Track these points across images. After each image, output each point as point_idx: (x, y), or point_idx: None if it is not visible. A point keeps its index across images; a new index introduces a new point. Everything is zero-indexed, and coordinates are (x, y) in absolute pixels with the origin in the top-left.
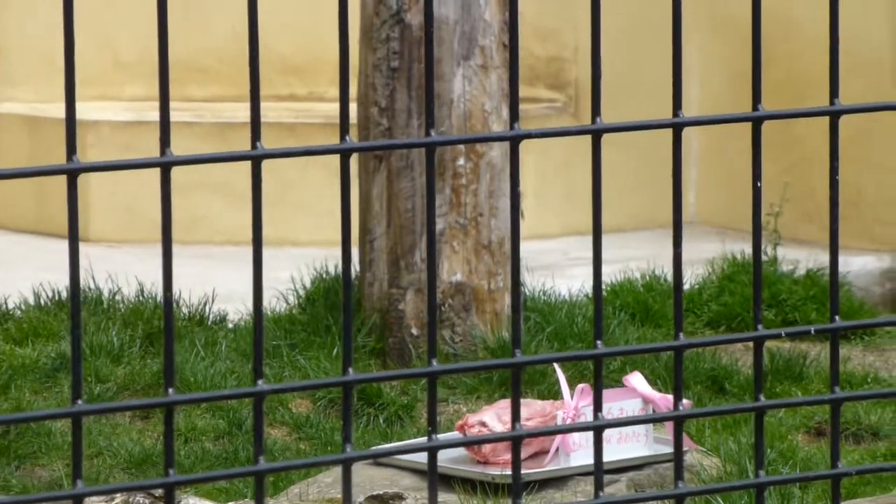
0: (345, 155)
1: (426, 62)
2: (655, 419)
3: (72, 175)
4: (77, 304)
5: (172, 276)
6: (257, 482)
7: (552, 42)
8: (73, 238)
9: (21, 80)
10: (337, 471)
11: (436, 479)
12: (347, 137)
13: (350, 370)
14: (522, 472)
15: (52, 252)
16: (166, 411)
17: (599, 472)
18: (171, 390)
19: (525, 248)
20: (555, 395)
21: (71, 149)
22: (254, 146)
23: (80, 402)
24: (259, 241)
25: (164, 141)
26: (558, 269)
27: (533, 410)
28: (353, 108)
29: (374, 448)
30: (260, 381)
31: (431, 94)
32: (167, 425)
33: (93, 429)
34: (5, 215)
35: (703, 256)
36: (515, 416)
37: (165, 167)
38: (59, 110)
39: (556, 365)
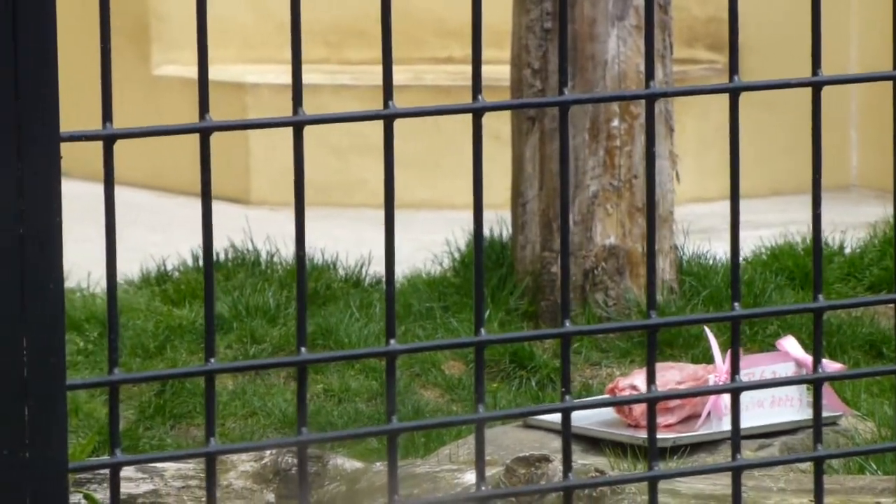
0: (477, 114)
1: (560, 19)
2: (795, 381)
3: (204, 133)
4: (210, 263)
5: (305, 234)
6: (390, 441)
7: (711, 3)
8: (206, 197)
9: (182, 43)
10: (488, 432)
11: (570, 439)
12: (480, 97)
13: (482, 330)
14: (674, 435)
15: (215, 214)
16: (299, 370)
17: (737, 434)
18: (303, 349)
19: (682, 211)
20: (709, 358)
21: (204, 108)
22: (386, 105)
23: (212, 360)
24: (391, 200)
25: (297, 101)
26: (715, 233)
27: (685, 374)
28: (506, 69)
29: (506, 410)
30: (392, 341)
31: (565, 51)
32: (300, 385)
33: (247, 389)
34: (166, 178)
35: (864, 220)
36: (651, 378)
37: (297, 126)
38: (220, 73)
39: (707, 329)
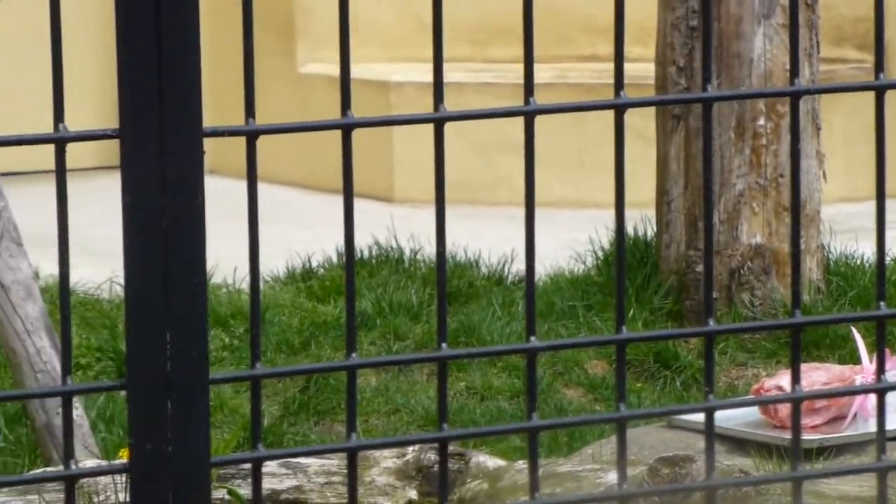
0: (619, 110)
1: (703, 16)
2: None
3: (346, 130)
4: (351, 261)
5: (445, 231)
6: (530, 438)
7: (860, 2)
8: (348, 193)
9: (328, 41)
10: (630, 432)
11: (712, 439)
12: (622, 93)
13: (623, 328)
14: (820, 436)
15: (358, 212)
16: (439, 365)
17: (882, 435)
18: (444, 345)
19: (829, 210)
20: (856, 359)
21: (346, 104)
22: (526, 102)
23: (353, 356)
24: (531, 197)
25: (438, 97)
26: (863, 233)
27: (831, 375)
28: (651, 67)
29: (649, 408)
30: (533, 338)
31: (709, 47)
32: (441, 381)
33: (390, 385)
34: (312, 175)
35: None
36: (796, 377)
37: (439, 122)
38: (364, 71)
39: (854, 330)
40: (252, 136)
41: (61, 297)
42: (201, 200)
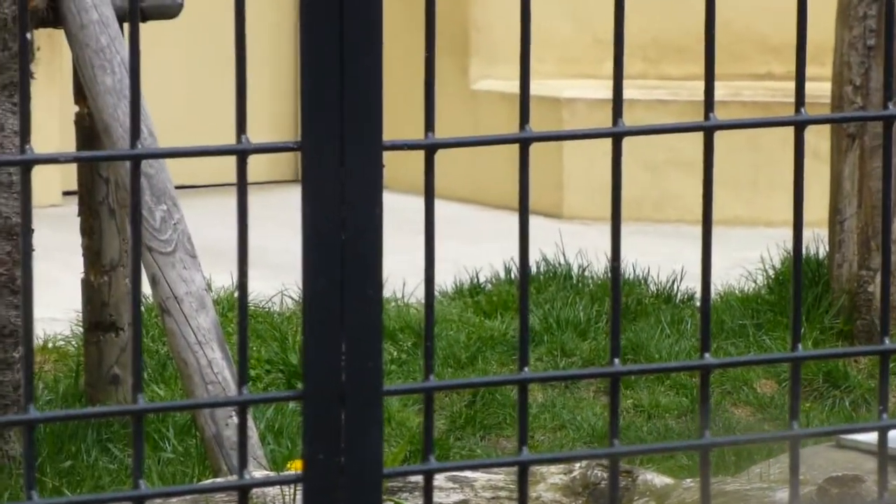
0: (799, 127)
1: (886, 31)
2: None
3: (524, 144)
4: (525, 273)
5: (620, 245)
6: (702, 455)
7: None
8: (524, 208)
9: (501, 57)
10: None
11: (885, 459)
12: (802, 109)
13: (799, 346)
14: None
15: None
16: (611, 381)
17: None
18: (616, 361)
19: None
20: None
21: (524, 118)
22: (706, 117)
23: (525, 369)
24: (709, 213)
25: (617, 111)
26: None
27: None
28: (827, 86)
29: (821, 427)
30: (706, 355)
31: (891, 64)
32: (613, 396)
33: (557, 402)
34: (481, 191)
35: None
36: (883, 400)
37: (617, 137)
38: (537, 87)
39: None
40: (431, 150)
41: (239, 307)
42: (379, 213)
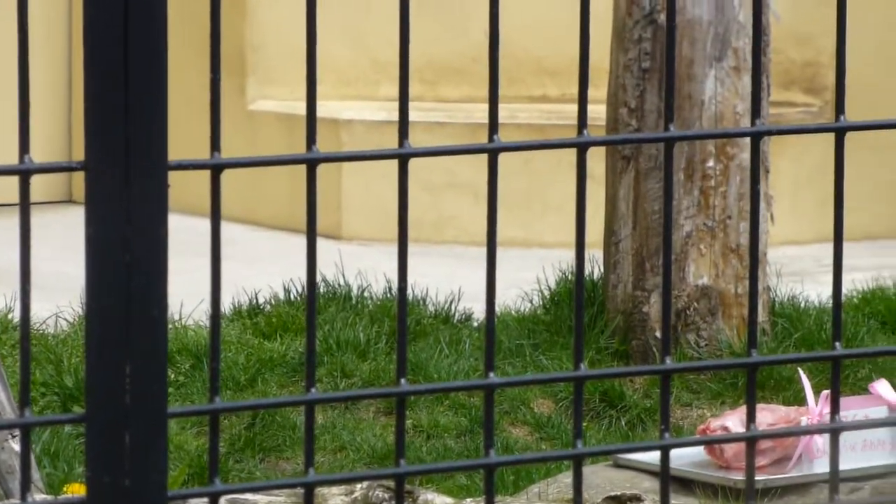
0: (581, 148)
1: (667, 57)
2: (891, 423)
3: (310, 164)
4: (313, 294)
5: (407, 265)
6: (487, 474)
7: (808, 46)
8: (311, 228)
9: (279, 78)
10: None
11: (668, 478)
12: (585, 131)
13: (582, 366)
14: (765, 477)
15: (304, 249)
16: (398, 401)
17: (835, 475)
18: (403, 381)
19: (776, 253)
20: (801, 401)
21: (311, 139)
22: (490, 139)
23: (313, 390)
24: (493, 234)
25: (403, 133)
26: (809, 276)
27: (777, 416)
28: (602, 109)
29: (604, 445)
30: (491, 374)
31: (672, 88)
32: (399, 416)
33: (337, 423)
34: (259, 213)
35: None
36: (751, 416)
37: (403, 159)
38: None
39: (800, 371)
40: (217, 170)
41: (22, 329)
42: (165, 233)
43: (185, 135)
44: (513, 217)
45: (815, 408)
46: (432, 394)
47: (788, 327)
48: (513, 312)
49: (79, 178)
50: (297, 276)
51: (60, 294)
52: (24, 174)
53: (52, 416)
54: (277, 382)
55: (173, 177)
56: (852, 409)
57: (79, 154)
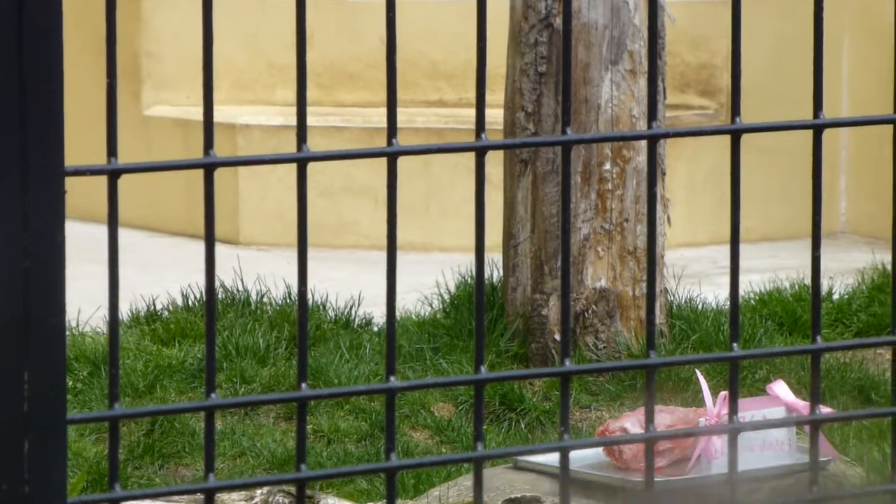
0: (480, 152)
1: (563, 61)
2: (792, 422)
3: (208, 169)
4: (212, 298)
5: (307, 270)
6: (388, 478)
7: (703, 49)
8: (210, 233)
9: (174, 83)
10: None
11: (568, 479)
12: (483, 135)
13: (482, 368)
14: (664, 478)
15: (202, 254)
16: (299, 405)
17: (734, 475)
18: (303, 385)
19: (673, 255)
20: (699, 402)
21: (208, 144)
22: (389, 143)
23: (213, 395)
24: (393, 238)
25: (301, 137)
26: (706, 278)
27: (676, 417)
28: (499, 113)
29: (505, 448)
30: (392, 378)
31: (568, 92)
32: (300, 420)
33: (236, 429)
34: (157, 218)
35: (853, 266)
36: (649, 417)
37: (301, 163)
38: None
39: (698, 373)
40: (114, 176)
41: (111, 338)
42: (62, 240)
43: (81, 140)
44: (412, 221)
45: (714, 409)
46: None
47: (686, 329)
48: (413, 317)
49: None
50: (196, 281)
51: None
52: None
53: None
54: (176, 389)
55: (70, 182)
56: (750, 409)
57: None
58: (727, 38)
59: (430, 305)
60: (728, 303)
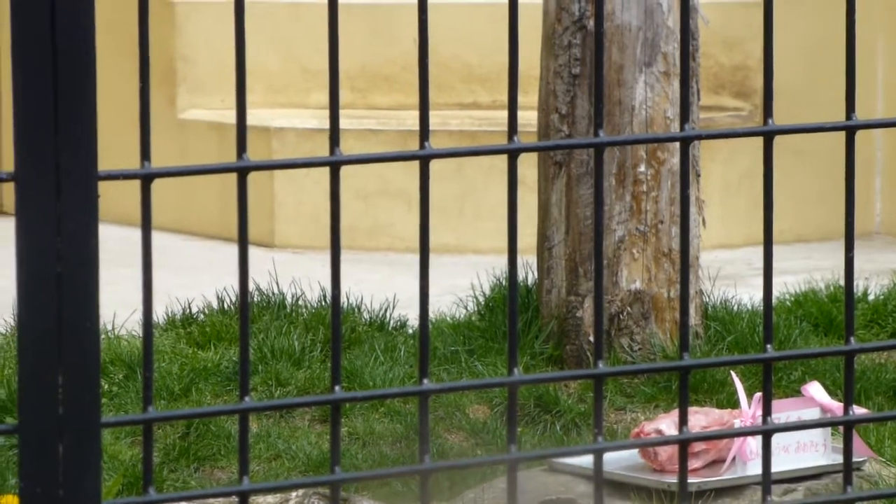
0: (512, 155)
1: (596, 63)
2: (825, 423)
3: (241, 173)
4: (246, 302)
5: (340, 273)
6: (422, 480)
7: (737, 51)
8: (243, 236)
9: (209, 87)
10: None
11: (601, 481)
12: (515, 137)
13: (516, 370)
14: (699, 480)
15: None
16: (332, 408)
17: (767, 476)
18: (337, 388)
19: (708, 257)
20: (734, 404)
21: (241, 147)
22: (422, 146)
23: (247, 398)
24: (426, 240)
25: (334, 140)
26: (741, 279)
27: (711, 419)
28: (534, 115)
29: (538, 450)
30: (425, 381)
31: (601, 94)
32: (334, 423)
33: (272, 432)
34: (191, 222)
35: (888, 267)
36: (683, 419)
37: (334, 166)
38: (247, 117)
39: (733, 374)
40: (147, 180)
41: (145, 341)
42: (95, 244)
43: (115, 145)
44: (446, 223)
45: (748, 410)
46: (367, 401)
47: (721, 331)
48: (447, 319)
49: (9, 188)
50: (230, 284)
51: None
52: None
53: None
54: (211, 392)
55: (103, 187)
56: (785, 411)
57: (8, 165)
58: (760, 41)
59: (465, 308)
60: (763, 304)
